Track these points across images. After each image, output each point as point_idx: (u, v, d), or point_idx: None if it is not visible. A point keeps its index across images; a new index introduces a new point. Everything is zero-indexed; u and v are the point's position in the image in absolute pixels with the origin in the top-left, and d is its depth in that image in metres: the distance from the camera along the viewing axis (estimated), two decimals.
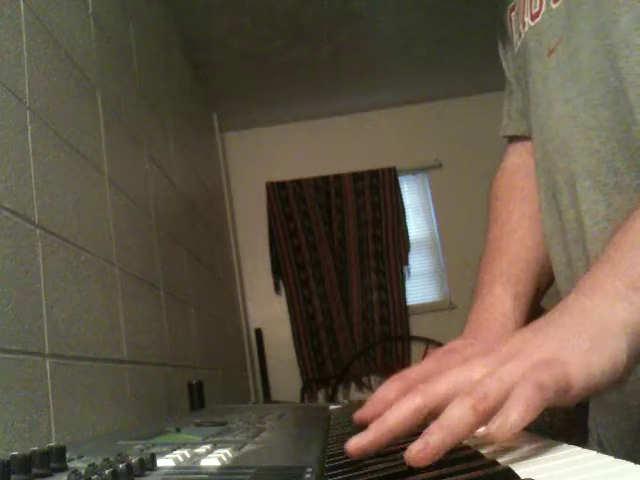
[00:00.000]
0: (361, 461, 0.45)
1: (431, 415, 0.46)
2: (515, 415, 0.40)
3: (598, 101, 0.65)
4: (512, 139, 0.89)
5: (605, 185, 0.65)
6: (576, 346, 0.45)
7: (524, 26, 0.76)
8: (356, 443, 0.44)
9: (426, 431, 0.41)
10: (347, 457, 0.46)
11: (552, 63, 0.70)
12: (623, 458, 0.36)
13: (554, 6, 0.70)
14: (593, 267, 0.51)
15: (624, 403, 0.67)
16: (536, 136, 0.77)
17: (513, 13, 0.81)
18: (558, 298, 0.78)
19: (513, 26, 0.80)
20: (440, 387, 0.47)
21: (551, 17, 0.70)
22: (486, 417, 0.42)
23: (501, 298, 0.76)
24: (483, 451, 0.44)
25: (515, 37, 0.80)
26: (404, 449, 0.41)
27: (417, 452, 0.39)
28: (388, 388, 0.54)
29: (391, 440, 0.45)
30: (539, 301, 0.80)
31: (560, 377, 0.42)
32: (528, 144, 0.83)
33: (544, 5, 0.71)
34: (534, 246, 0.80)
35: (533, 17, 0.73)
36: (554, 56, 0.70)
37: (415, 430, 0.46)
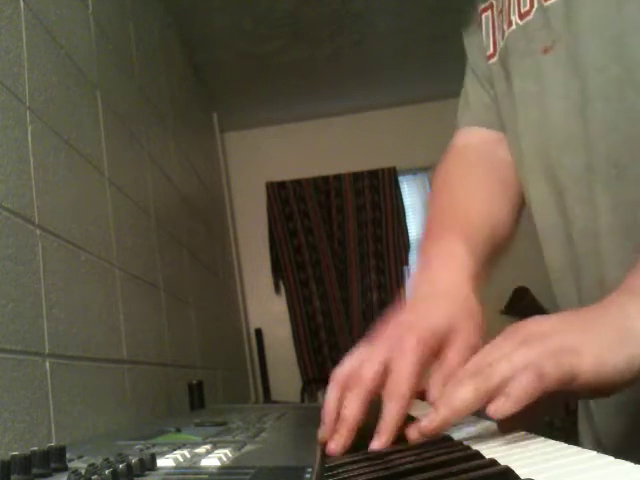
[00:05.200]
0: (361, 461, 0.45)
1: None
2: (509, 402, 0.45)
3: (596, 93, 0.64)
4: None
5: (605, 178, 0.64)
6: (596, 340, 0.47)
7: (510, 25, 0.74)
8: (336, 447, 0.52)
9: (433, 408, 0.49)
10: (347, 457, 0.46)
11: (549, 61, 0.69)
12: (620, 457, 0.36)
13: (547, 4, 0.68)
14: (635, 270, 0.53)
15: (625, 404, 0.67)
16: (525, 135, 0.75)
17: (486, 13, 0.80)
18: (553, 298, 0.77)
19: (489, 25, 0.79)
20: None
21: (545, 15, 0.68)
22: (487, 397, 0.47)
23: (452, 246, 0.71)
24: (483, 451, 0.44)
25: (489, 36, 0.79)
26: (403, 450, 0.42)
27: (425, 426, 0.48)
28: (332, 396, 0.57)
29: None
30: (490, 267, 0.76)
31: (567, 367, 0.46)
32: (484, 131, 0.83)
33: (535, 3, 0.70)
34: (489, 215, 0.77)
35: (522, 16, 0.71)
36: (552, 53, 0.68)
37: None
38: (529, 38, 0.71)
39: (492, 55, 0.80)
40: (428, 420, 0.48)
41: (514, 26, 0.73)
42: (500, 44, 0.77)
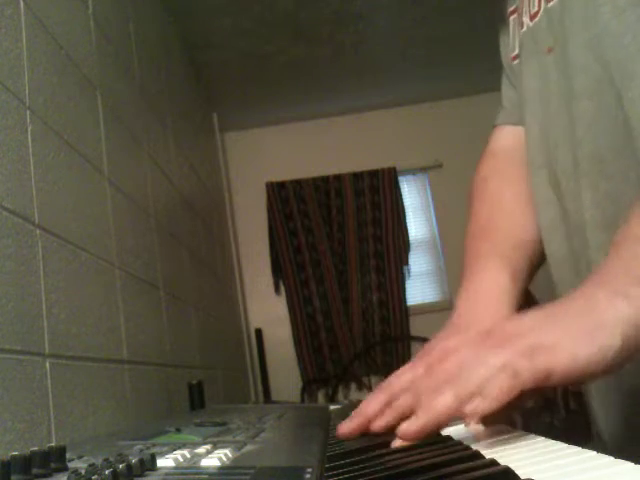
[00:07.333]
0: (361, 461, 0.45)
1: None
2: (485, 402, 0.47)
3: (582, 91, 0.67)
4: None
5: (589, 173, 0.66)
6: (568, 335, 0.49)
7: (522, 27, 0.77)
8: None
9: (415, 414, 0.51)
10: (347, 457, 0.46)
11: (550, 60, 0.72)
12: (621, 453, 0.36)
13: (549, 5, 0.71)
14: (605, 260, 0.54)
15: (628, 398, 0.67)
16: (532, 131, 0.77)
17: (513, 16, 0.82)
18: (553, 290, 0.78)
19: (513, 28, 0.82)
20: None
21: (548, 16, 0.72)
22: (466, 400, 0.49)
23: (496, 273, 0.75)
24: (483, 451, 0.44)
25: (515, 39, 0.81)
26: (403, 451, 0.42)
27: (403, 430, 0.50)
28: (371, 402, 0.58)
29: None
30: (528, 284, 0.80)
31: (541, 365, 0.48)
32: (517, 130, 0.84)
33: (542, 5, 0.73)
34: (527, 227, 0.80)
35: (532, 17, 0.75)
36: (552, 53, 0.72)
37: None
38: (536, 39, 0.74)
39: (515, 57, 0.82)
40: (407, 424, 0.50)
41: (525, 28, 0.76)
42: (517, 45, 0.80)
